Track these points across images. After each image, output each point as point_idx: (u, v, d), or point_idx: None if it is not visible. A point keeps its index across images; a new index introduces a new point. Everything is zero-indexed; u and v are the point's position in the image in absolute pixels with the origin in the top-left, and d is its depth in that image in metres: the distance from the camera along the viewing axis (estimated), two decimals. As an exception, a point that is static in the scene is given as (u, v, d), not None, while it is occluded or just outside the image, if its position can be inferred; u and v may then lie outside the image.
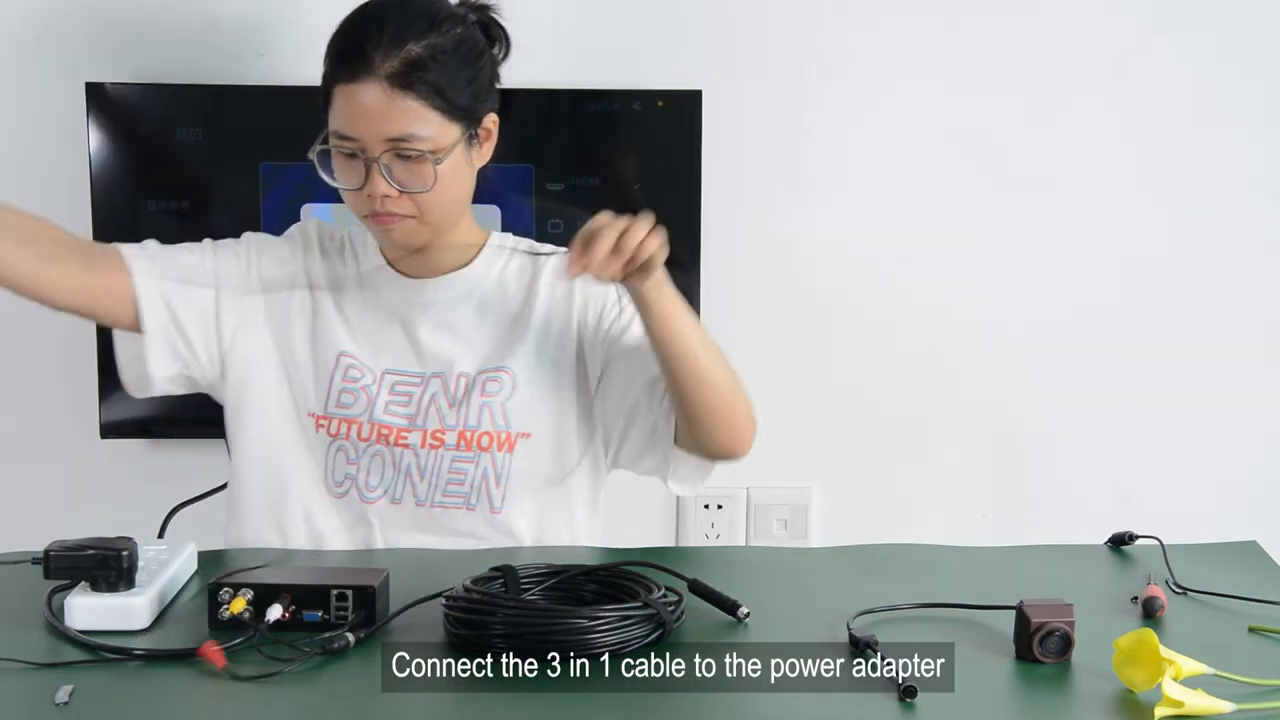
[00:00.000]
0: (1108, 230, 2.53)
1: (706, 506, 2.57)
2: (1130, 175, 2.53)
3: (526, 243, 1.97)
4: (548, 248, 1.96)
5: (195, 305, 1.88)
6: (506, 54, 1.91)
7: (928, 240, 2.52)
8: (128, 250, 1.87)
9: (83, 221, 2.36)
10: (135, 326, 1.86)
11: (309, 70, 2.40)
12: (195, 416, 2.43)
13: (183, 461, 2.47)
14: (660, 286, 1.75)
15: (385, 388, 1.88)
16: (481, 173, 2.40)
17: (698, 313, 2.43)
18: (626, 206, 2.41)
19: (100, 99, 2.35)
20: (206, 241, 1.94)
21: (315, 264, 1.93)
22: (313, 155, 1.81)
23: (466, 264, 1.91)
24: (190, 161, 2.38)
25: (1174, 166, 2.52)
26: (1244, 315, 2.57)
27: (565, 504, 1.92)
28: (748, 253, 2.50)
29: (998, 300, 2.55)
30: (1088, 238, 2.53)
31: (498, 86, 1.89)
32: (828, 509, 2.59)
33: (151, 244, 1.91)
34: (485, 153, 1.87)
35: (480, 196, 2.37)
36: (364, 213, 1.81)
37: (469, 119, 1.81)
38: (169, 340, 1.86)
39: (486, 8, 1.89)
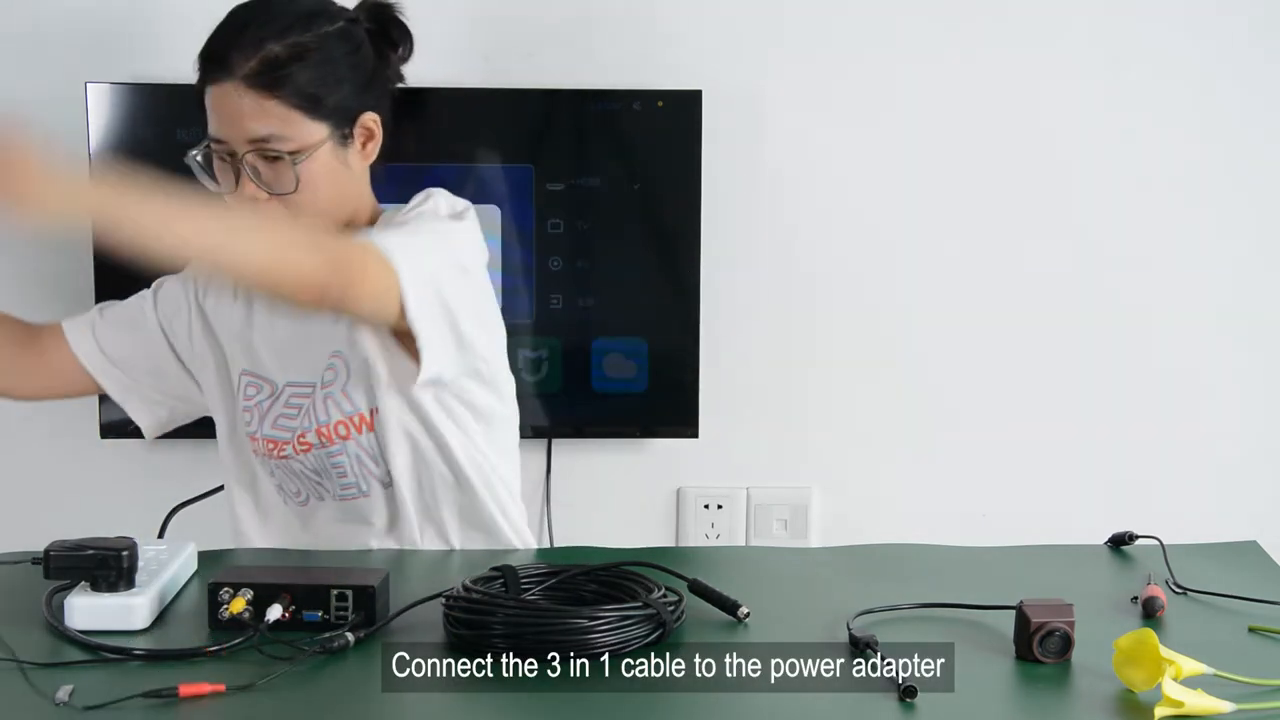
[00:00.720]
0: (1108, 230, 2.53)
1: (706, 506, 2.57)
2: (1131, 175, 2.52)
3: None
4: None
5: (145, 352, 1.90)
6: (408, 55, 1.89)
7: (928, 240, 2.52)
8: (68, 325, 1.90)
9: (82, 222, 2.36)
10: (101, 391, 1.91)
11: (309, 70, 2.40)
12: (195, 416, 2.43)
13: (183, 461, 2.47)
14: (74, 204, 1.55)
15: (281, 401, 1.89)
16: (482, 173, 2.41)
17: (697, 313, 2.43)
18: (627, 206, 2.43)
19: (100, 99, 2.35)
20: (134, 300, 1.96)
21: (199, 291, 1.94)
22: (190, 160, 1.81)
23: None
24: (190, 161, 2.38)
25: (1175, 166, 2.52)
26: (1244, 315, 2.57)
27: (423, 428, 1.85)
28: (748, 253, 2.50)
29: (998, 300, 2.55)
30: (1089, 238, 2.53)
31: (393, 86, 1.87)
32: (828, 509, 2.59)
33: (96, 308, 1.93)
34: (369, 152, 1.84)
35: (480, 196, 2.39)
36: None
37: (338, 118, 1.79)
38: (139, 394, 1.88)
39: (386, 7, 1.86)
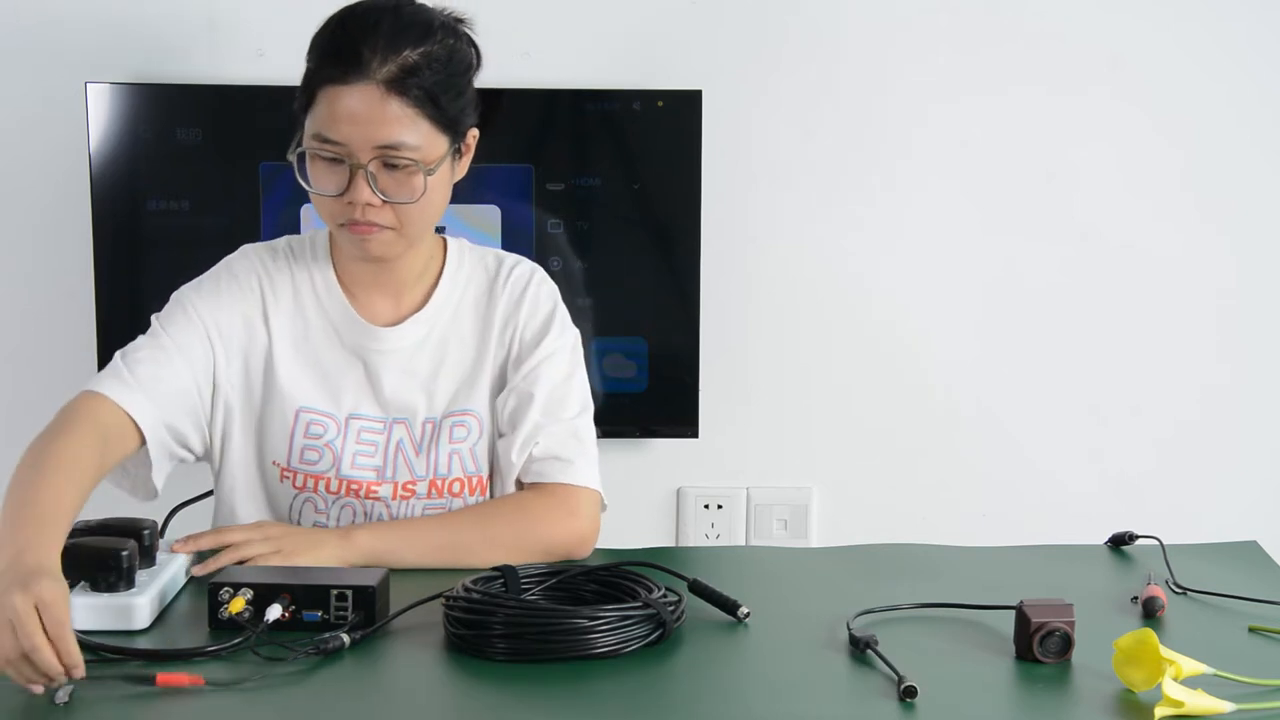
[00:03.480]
0: (1106, 232, 2.53)
1: (706, 506, 2.57)
2: (1130, 177, 2.53)
3: (483, 258, 1.90)
4: (506, 263, 1.89)
5: (181, 406, 1.78)
6: (479, 70, 1.85)
7: (928, 240, 2.53)
8: (111, 391, 1.73)
9: (83, 222, 2.36)
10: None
11: (309, 70, 2.40)
12: (195, 416, 2.43)
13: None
14: (348, 556, 1.66)
15: (351, 436, 1.83)
16: (482, 173, 2.41)
17: (697, 313, 2.43)
18: (627, 206, 2.43)
19: (100, 99, 2.35)
20: (158, 329, 1.80)
21: (269, 300, 1.84)
22: (292, 156, 1.76)
23: (424, 299, 1.85)
24: (190, 161, 2.38)
25: (1175, 168, 2.53)
26: (1244, 315, 2.57)
27: None
28: (748, 253, 2.51)
29: (998, 300, 2.55)
30: (1086, 239, 2.53)
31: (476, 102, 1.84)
32: (828, 509, 2.60)
33: (120, 366, 1.76)
34: (463, 168, 1.81)
35: (480, 196, 2.39)
36: (341, 220, 1.73)
37: (455, 132, 1.75)
38: (169, 453, 1.78)
39: (465, 24, 1.82)
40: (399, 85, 1.68)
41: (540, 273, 1.90)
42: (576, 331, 1.90)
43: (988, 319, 2.55)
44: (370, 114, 1.68)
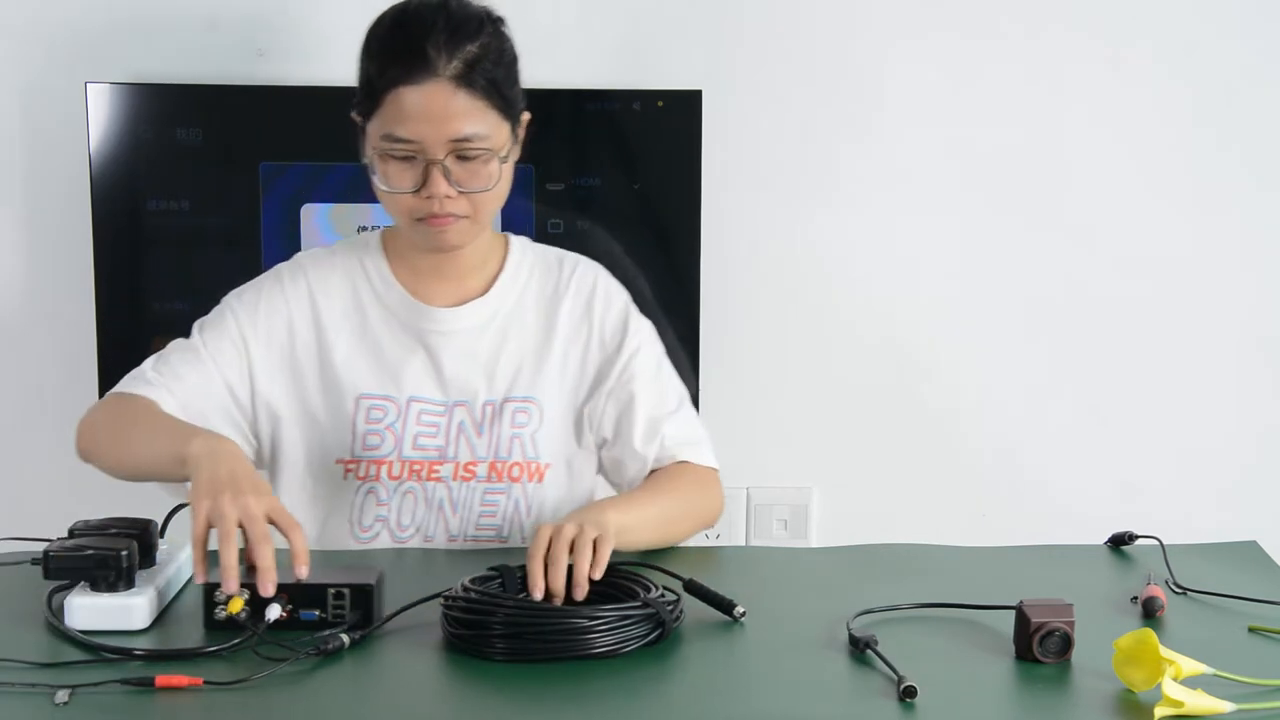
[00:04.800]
0: (1106, 231, 2.53)
1: (706, 506, 2.57)
2: (1125, 176, 2.53)
3: (545, 255, 1.93)
4: (568, 260, 1.93)
5: (212, 406, 1.82)
6: None
7: (927, 240, 2.53)
8: (150, 394, 1.78)
9: (83, 221, 2.36)
10: None
11: (309, 70, 2.41)
12: (195, 416, 2.43)
13: (183, 461, 2.47)
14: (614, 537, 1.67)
15: (412, 418, 1.85)
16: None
17: (697, 313, 2.43)
18: (627, 206, 2.43)
19: (100, 99, 2.35)
20: (194, 333, 1.85)
21: (319, 299, 1.87)
22: (368, 159, 1.78)
23: (486, 285, 1.88)
24: (190, 161, 2.38)
25: (1171, 166, 2.53)
26: (1243, 315, 2.57)
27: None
28: (747, 253, 2.51)
29: (999, 300, 2.55)
30: (1086, 239, 2.53)
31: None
32: (828, 509, 2.59)
33: (146, 368, 1.82)
34: (518, 151, 1.84)
35: (480, 196, 2.38)
36: (419, 215, 1.76)
37: (515, 117, 1.80)
38: None
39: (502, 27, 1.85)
40: (466, 79, 1.73)
41: (604, 270, 1.94)
42: (649, 321, 1.95)
43: (988, 319, 2.55)
44: (444, 110, 1.73)
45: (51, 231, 2.44)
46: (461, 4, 1.78)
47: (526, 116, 1.83)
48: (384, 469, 1.84)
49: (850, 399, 2.56)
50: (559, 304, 1.89)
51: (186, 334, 1.86)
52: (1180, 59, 2.50)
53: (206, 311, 1.86)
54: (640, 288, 2.38)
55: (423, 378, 1.85)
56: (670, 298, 2.44)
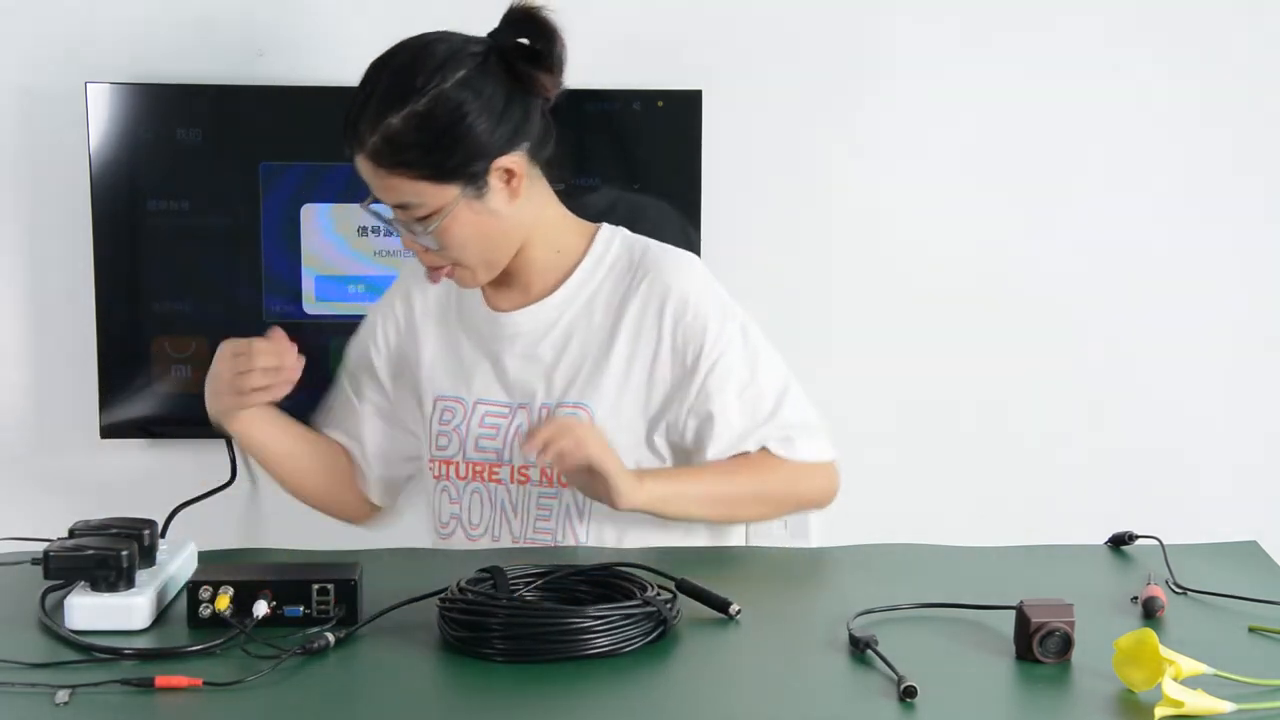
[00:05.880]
0: (1106, 231, 2.53)
1: (706, 506, 2.56)
2: (1130, 174, 2.53)
3: (631, 251, 1.90)
4: (651, 258, 1.88)
5: (367, 423, 2.00)
6: (558, 61, 1.83)
7: (929, 240, 2.52)
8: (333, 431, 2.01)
9: (83, 221, 2.36)
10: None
11: (309, 70, 2.41)
12: (195, 417, 2.43)
13: (183, 461, 2.47)
14: (637, 496, 1.75)
15: (476, 420, 1.89)
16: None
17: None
18: (626, 206, 2.42)
19: (100, 99, 2.35)
20: (341, 374, 2.03)
21: (415, 301, 1.96)
22: (379, 218, 1.85)
23: (555, 288, 1.88)
24: (190, 161, 2.38)
25: (1178, 169, 2.53)
26: (1245, 315, 2.57)
27: (639, 526, 1.86)
28: (748, 253, 2.50)
29: (999, 300, 2.55)
30: (1087, 238, 2.53)
31: (547, 99, 1.83)
32: (828, 509, 2.59)
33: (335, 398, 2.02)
34: (515, 188, 1.80)
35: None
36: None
37: (467, 174, 1.77)
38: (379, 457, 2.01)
39: (525, 21, 1.81)
40: (385, 156, 1.75)
41: (686, 264, 1.89)
42: (740, 314, 1.91)
43: (989, 318, 2.55)
44: (373, 182, 1.79)
45: (51, 231, 2.44)
46: (412, 59, 1.77)
47: (510, 159, 1.78)
48: (452, 469, 1.90)
49: (850, 399, 2.55)
50: (625, 307, 1.86)
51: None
52: (1181, 58, 2.50)
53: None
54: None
55: (490, 381, 1.89)
56: (670, 298, 2.44)
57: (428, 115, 1.74)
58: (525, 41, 1.80)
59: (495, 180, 1.79)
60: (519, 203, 1.81)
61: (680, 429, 1.86)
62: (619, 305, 1.86)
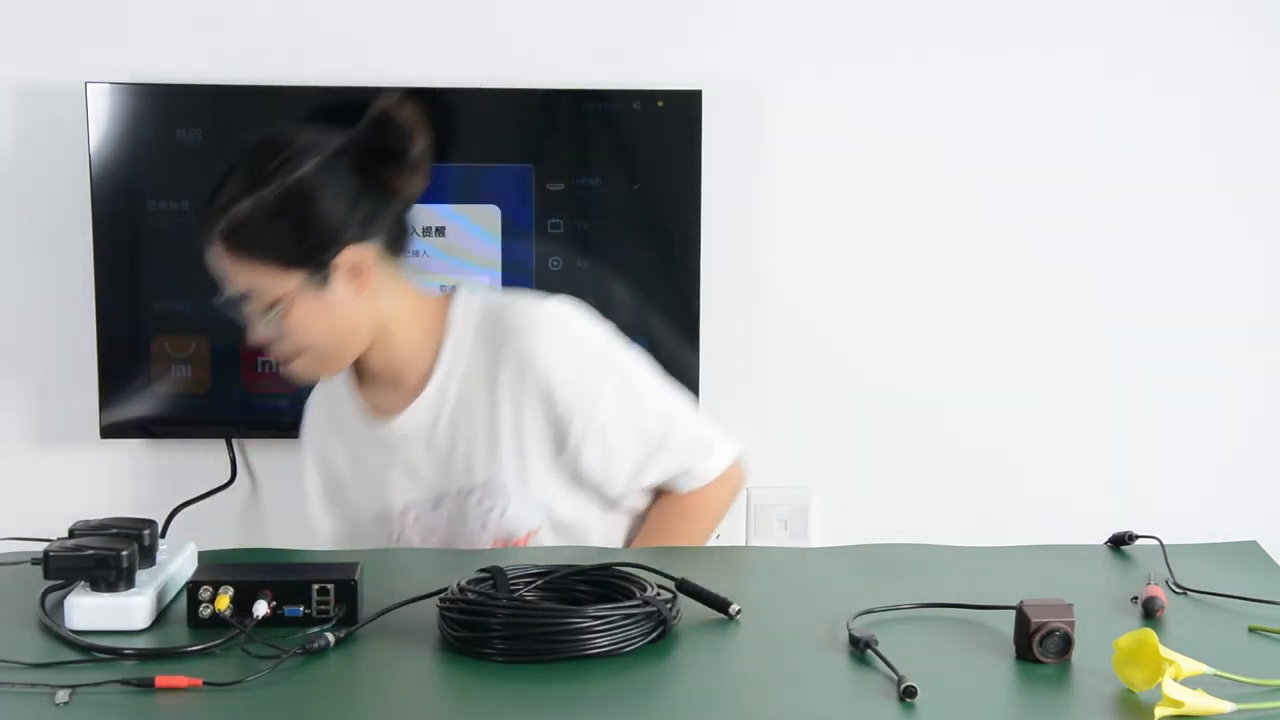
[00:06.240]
0: (1107, 230, 2.53)
1: (706, 506, 2.57)
2: (1128, 174, 2.53)
3: (487, 316, 1.91)
4: (509, 317, 1.90)
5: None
6: (417, 161, 1.84)
7: (928, 240, 2.52)
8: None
9: (83, 221, 2.36)
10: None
11: (309, 70, 2.41)
12: (195, 417, 2.44)
13: (183, 461, 2.47)
14: None
15: (409, 524, 1.94)
16: (482, 173, 2.41)
17: (697, 313, 2.43)
18: (627, 206, 2.43)
19: (100, 99, 2.35)
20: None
21: (321, 431, 2.01)
22: (223, 304, 1.87)
23: (428, 373, 1.90)
24: (190, 161, 2.38)
25: (1175, 168, 2.53)
26: (1246, 314, 2.57)
27: (604, 532, 1.94)
28: (748, 253, 2.50)
29: (999, 300, 2.55)
30: (1087, 238, 2.53)
31: (405, 196, 1.85)
32: (828, 509, 2.59)
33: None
34: (365, 281, 1.83)
35: (480, 196, 2.39)
36: None
37: (310, 264, 1.80)
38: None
39: (385, 122, 1.82)
40: (231, 241, 1.79)
41: (542, 323, 1.89)
42: (608, 351, 1.92)
43: (988, 318, 2.55)
44: (221, 268, 1.82)
45: (51, 231, 2.44)
46: (266, 147, 1.80)
47: (354, 251, 1.81)
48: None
49: (850, 399, 2.56)
50: (497, 376, 1.88)
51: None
52: (1187, 60, 2.50)
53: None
54: (625, 296, 2.40)
55: (405, 484, 1.93)
56: (670, 298, 2.44)
57: (274, 203, 1.78)
58: (383, 141, 1.83)
59: (340, 273, 1.82)
60: (365, 297, 1.84)
61: (584, 468, 1.90)
62: (492, 376, 1.88)
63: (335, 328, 1.84)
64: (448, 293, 1.95)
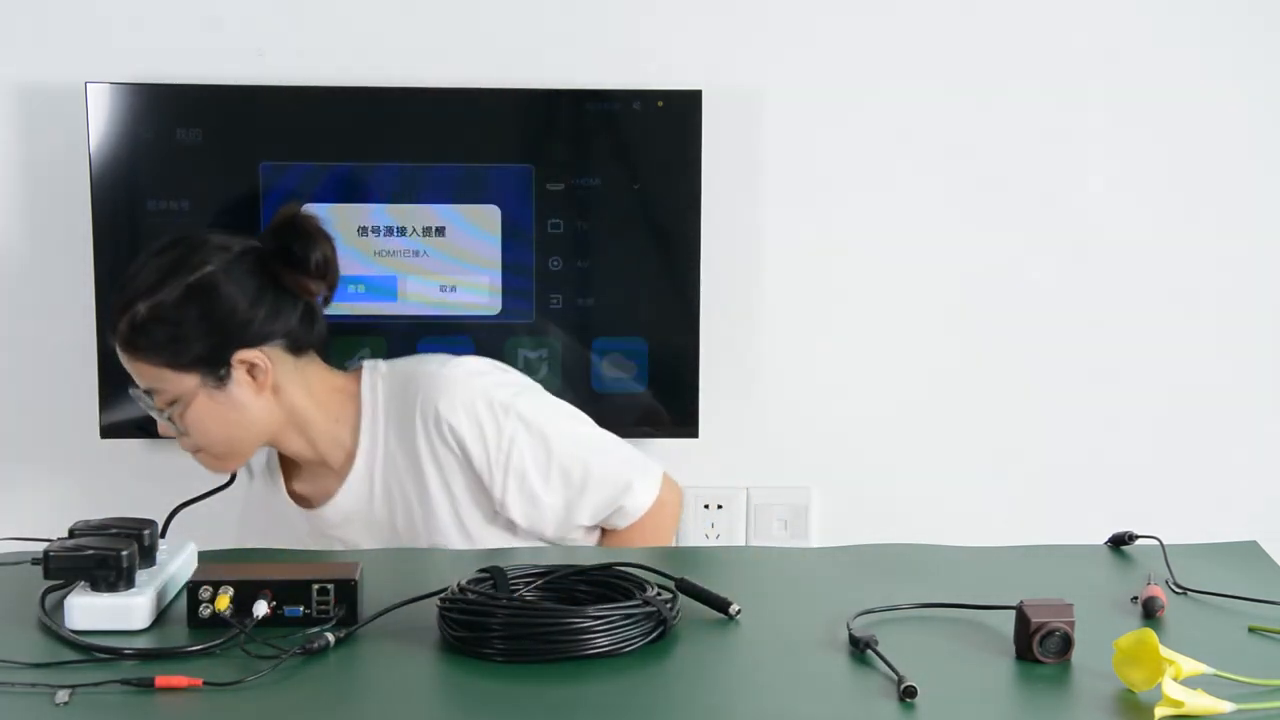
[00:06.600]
0: (1107, 231, 2.53)
1: (706, 506, 2.57)
2: (1127, 178, 2.52)
3: (395, 390, 1.96)
4: (412, 387, 1.94)
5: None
6: (321, 267, 1.90)
7: (927, 240, 2.52)
8: None
9: (83, 221, 2.36)
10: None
11: (309, 70, 2.41)
12: (195, 416, 2.43)
13: (183, 461, 2.46)
14: None
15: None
16: (482, 173, 2.42)
17: (697, 313, 2.43)
18: (627, 206, 2.43)
19: (100, 99, 2.35)
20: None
21: (260, 518, 2.08)
22: (138, 400, 1.93)
23: (351, 454, 1.95)
24: (190, 161, 2.38)
25: (1173, 169, 2.52)
26: (1244, 315, 2.56)
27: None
28: (748, 252, 2.50)
29: (997, 300, 2.54)
30: (1088, 239, 2.53)
31: (310, 295, 1.91)
32: (828, 509, 2.59)
33: None
34: (263, 382, 1.89)
35: (480, 196, 2.39)
36: None
37: (206, 365, 1.86)
38: None
39: (288, 228, 1.90)
40: (129, 344, 1.86)
41: (444, 383, 1.94)
42: (519, 400, 1.96)
43: (988, 319, 2.55)
44: (127, 366, 1.88)
45: (51, 231, 2.44)
46: (169, 253, 1.87)
47: (251, 354, 1.87)
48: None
49: (850, 399, 2.56)
50: (416, 443, 1.93)
51: None
52: (1178, 62, 2.50)
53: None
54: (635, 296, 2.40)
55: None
56: (670, 298, 2.44)
57: (169, 306, 1.85)
58: (287, 246, 1.90)
59: (238, 373, 1.88)
60: (265, 395, 1.90)
61: (519, 524, 1.95)
62: (411, 444, 1.94)
63: (233, 425, 1.90)
64: (355, 369, 2.01)
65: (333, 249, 1.93)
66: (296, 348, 1.93)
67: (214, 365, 1.87)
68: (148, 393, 1.89)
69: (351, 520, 1.97)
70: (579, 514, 1.96)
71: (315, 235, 1.91)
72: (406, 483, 1.95)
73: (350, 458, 1.96)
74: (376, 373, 1.98)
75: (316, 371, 1.97)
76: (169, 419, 1.90)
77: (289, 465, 2.04)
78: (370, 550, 1.92)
